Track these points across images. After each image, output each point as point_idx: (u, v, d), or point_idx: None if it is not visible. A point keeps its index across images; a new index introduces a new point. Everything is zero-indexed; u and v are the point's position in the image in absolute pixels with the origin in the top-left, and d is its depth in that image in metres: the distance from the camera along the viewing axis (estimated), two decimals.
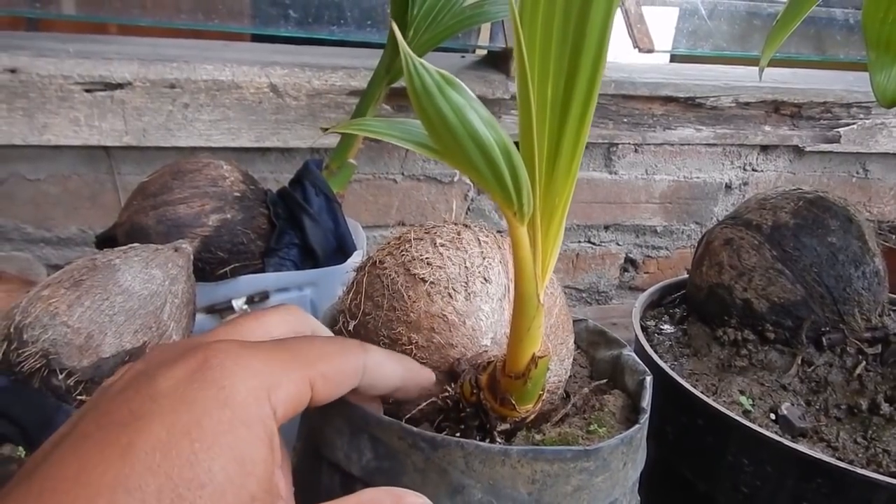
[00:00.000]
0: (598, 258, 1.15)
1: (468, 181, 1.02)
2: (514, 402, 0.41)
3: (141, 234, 0.65)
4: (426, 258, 0.44)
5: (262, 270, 0.70)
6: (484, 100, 0.96)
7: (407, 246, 0.45)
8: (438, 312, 0.43)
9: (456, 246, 0.45)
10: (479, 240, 0.47)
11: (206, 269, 0.67)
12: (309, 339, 0.34)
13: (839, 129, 1.13)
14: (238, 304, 0.68)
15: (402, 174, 0.99)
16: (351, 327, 0.46)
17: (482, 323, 0.43)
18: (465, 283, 0.44)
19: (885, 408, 0.53)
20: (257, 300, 0.69)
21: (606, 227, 1.13)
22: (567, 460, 0.40)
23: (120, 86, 0.82)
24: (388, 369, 0.37)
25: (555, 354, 0.47)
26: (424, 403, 0.43)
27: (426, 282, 0.43)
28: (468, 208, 1.04)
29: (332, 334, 0.40)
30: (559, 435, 0.46)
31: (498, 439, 0.43)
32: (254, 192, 0.71)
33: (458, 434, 0.43)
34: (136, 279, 0.49)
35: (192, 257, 0.55)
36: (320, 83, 0.87)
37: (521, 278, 0.36)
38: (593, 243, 1.13)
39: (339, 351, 0.34)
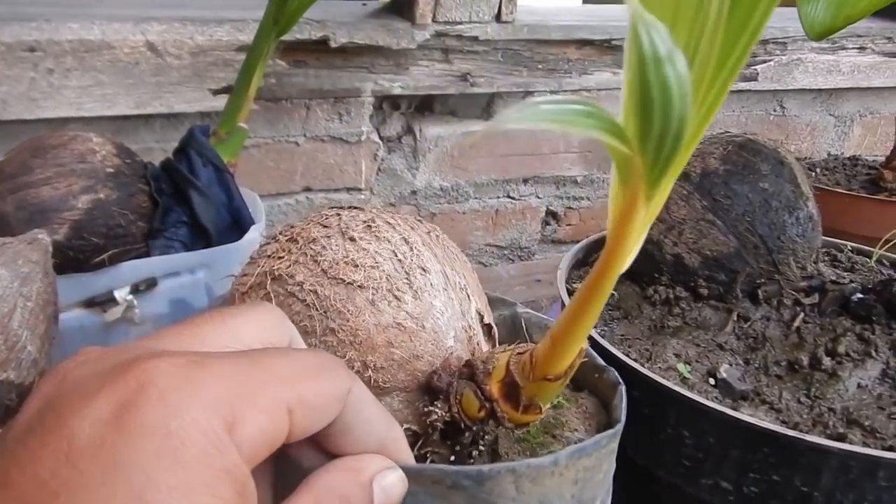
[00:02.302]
0: (519, 213, 1.10)
1: (376, 139, 0.95)
2: (541, 405, 0.34)
3: None
4: (351, 258, 0.36)
5: (147, 254, 0.62)
6: (388, 51, 0.89)
7: (315, 247, 0.37)
8: (391, 322, 0.35)
9: (375, 235, 0.37)
10: (389, 223, 0.39)
11: (80, 257, 0.59)
12: (283, 352, 0.25)
13: (756, 67, 1.11)
14: (121, 294, 0.61)
15: (305, 136, 0.91)
16: None
17: (440, 322, 0.36)
18: (407, 278, 0.36)
19: (827, 362, 0.50)
20: (143, 288, 0.61)
21: (525, 181, 1.08)
22: (602, 447, 0.35)
23: None
24: (374, 414, 0.27)
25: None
26: None
27: (364, 288, 0.35)
28: (378, 169, 0.98)
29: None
30: (541, 423, 0.40)
31: (481, 446, 0.37)
32: (130, 166, 0.63)
33: (452, 458, 0.36)
34: None
35: (50, 249, 0.47)
36: (204, 39, 0.78)
37: (612, 268, 0.28)
38: (512, 198, 1.08)
39: (322, 368, 0.25)
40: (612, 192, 0.27)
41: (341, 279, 0.35)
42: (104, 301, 0.60)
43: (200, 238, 0.65)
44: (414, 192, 1.01)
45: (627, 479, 0.53)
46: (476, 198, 1.06)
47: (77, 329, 0.60)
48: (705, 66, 0.24)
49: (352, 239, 0.37)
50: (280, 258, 0.37)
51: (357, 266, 0.36)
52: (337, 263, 0.36)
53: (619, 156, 0.24)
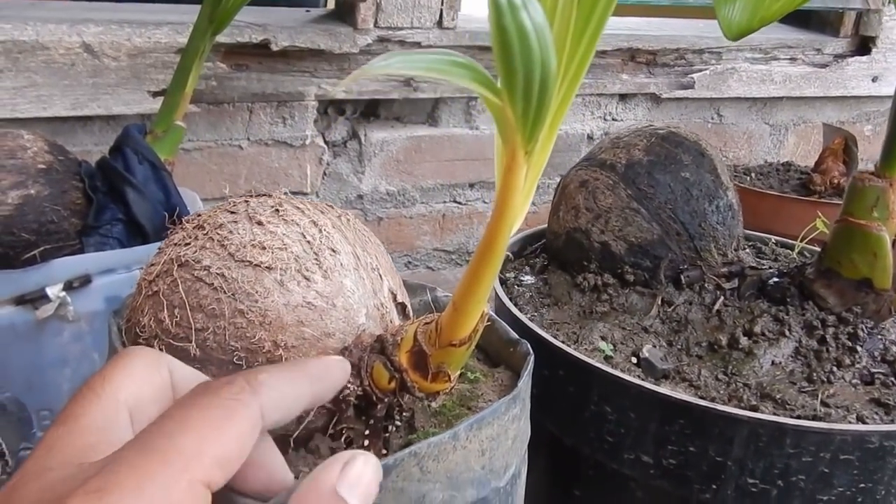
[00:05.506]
0: (466, 217, 1.12)
1: (321, 143, 0.96)
2: (450, 372, 0.35)
3: None
4: (258, 241, 0.36)
5: (82, 252, 0.62)
6: (331, 55, 0.90)
7: (222, 232, 0.37)
8: (300, 301, 0.35)
9: (283, 219, 0.38)
10: (298, 207, 0.39)
11: (10, 253, 0.59)
12: (177, 422, 0.24)
13: (693, 75, 1.14)
14: (53, 291, 0.60)
15: (248, 139, 0.91)
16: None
17: (351, 300, 0.37)
18: (316, 259, 0.37)
19: (744, 341, 0.52)
20: (76, 285, 0.61)
21: (471, 185, 1.10)
22: (502, 415, 0.36)
23: None
24: (290, 399, 0.28)
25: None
26: (311, 416, 0.36)
27: (272, 269, 0.35)
28: (324, 173, 0.98)
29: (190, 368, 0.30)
30: (458, 396, 0.41)
31: (398, 421, 0.38)
32: (63, 163, 0.63)
33: (366, 432, 0.37)
34: None
35: None
36: (143, 41, 0.79)
37: (501, 226, 0.29)
38: (459, 202, 1.10)
39: (224, 415, 0.24)
40: (496, 152, 0.28)
41: (249, 261, 0.35)
42: (36, 298, 0.60)
43: (137, 235, 0.65)
44: (360, 197, 1.02)
45: (555, 460, 0.54)
46: (423, 202, 1.07)
47: (7, 327, 0.59)
48: (568, 15, 0.25)
49: (259, 223, 0.37)
50: (187, 244, 0.37)
51: (265, 248, 0.36)
52: (244, 246, 0.36)
53: (495, 109, 0.25)
